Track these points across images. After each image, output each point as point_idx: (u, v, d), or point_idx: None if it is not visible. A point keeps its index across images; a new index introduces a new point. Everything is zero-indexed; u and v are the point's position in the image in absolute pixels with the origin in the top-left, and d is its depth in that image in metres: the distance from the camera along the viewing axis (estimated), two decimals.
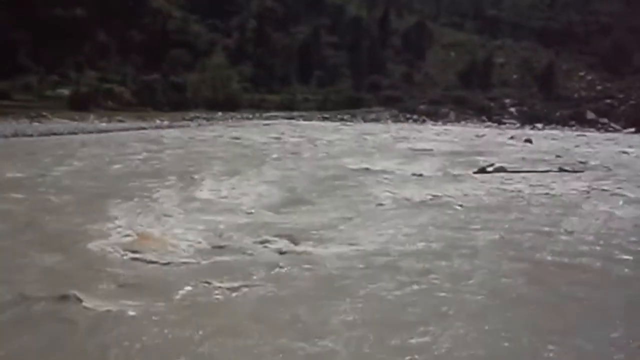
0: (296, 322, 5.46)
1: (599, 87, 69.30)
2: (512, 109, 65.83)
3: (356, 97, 64.44)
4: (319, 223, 9.61)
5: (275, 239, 8.33)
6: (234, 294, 6.13)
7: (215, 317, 5.51)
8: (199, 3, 66.06)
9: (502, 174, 16.56)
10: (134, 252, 7.47)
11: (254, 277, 6.64)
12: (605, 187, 14.43)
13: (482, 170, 17.07)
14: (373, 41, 74.15)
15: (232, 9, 69.57)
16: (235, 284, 6.36)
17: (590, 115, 61.29)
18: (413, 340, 5.10)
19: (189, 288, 6.23)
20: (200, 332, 5.14)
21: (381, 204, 11.42)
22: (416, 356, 4.82)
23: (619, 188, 14.31)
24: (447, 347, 4.99)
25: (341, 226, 9.44)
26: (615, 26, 76.86)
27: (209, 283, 6.38)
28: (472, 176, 16.22)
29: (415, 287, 6.44)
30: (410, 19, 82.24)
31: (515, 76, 75.03)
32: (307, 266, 7.09)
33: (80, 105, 44.06)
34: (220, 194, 12.18)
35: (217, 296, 6.07)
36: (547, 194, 13.09)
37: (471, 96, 67.07)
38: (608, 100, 64.19)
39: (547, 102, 66.06)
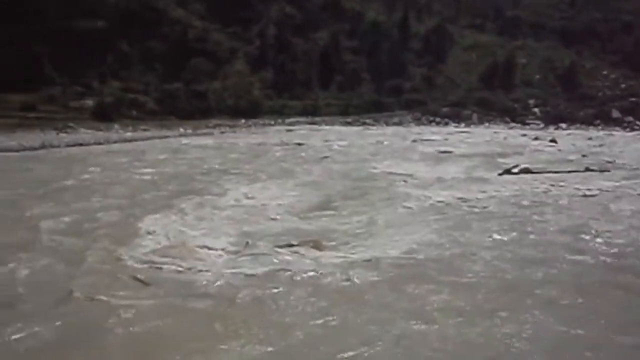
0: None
1: (622, 85, 68.44)
2: (536, 110, 65.24)
3: (378, 101, 64.33)
4: (344, 228, 9.62)
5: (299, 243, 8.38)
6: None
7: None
8: (219, 12, 66.42)
9: (527, 175, 16.41)
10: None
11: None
12: (634, 187, 14.23)
13: (508, 172, 16.94)
14: (393, 44, 74.01)
15: (252, 16, 69.86)
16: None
17: (616, 113, 60.56)
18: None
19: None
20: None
21: (407, 207, 11.38)
22: None
23: None
24: None
25: (365, 230, 9.43)
26: (637, 24, 75.95)
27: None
28: (497, 178, 16.09)
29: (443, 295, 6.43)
30: (430, 22, 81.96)
31: (537, 76, 74.36)
32: (330, 271, 7.11)
33: (104, 115, 44.55)
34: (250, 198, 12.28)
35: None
36: (574, 194, 12.94)
37: (494, 97, 66.61)
38: (633, 99, 63.33)
39: (570, 102, 65.39)
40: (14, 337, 5.28)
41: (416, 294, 6.35)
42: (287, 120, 53.36)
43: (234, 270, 7.11)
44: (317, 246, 8.35)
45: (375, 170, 17.85)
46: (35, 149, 27.93)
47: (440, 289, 6.45)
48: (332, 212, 11.06)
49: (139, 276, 6.87)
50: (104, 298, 6.21)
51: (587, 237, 8.88)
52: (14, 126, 38.08)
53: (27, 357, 5.03)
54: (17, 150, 26.74)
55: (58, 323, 5.57)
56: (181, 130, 41.50)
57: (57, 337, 5.33)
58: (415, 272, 7.09)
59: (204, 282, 6.70)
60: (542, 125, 57.21)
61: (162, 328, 5.53)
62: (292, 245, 8.34)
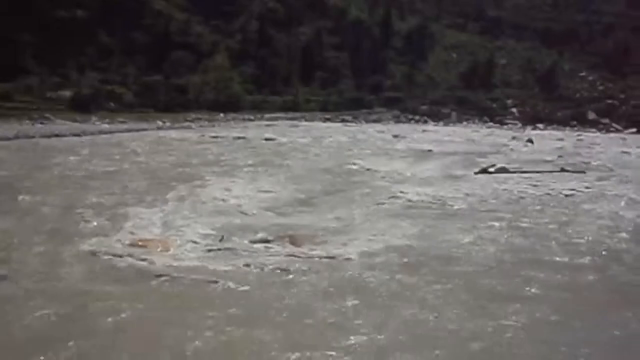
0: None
1: (600, 88, 69.20)
2: (514, 110, 65.78)
3: (358, 98, 64.39)
4: (319, 225, 9.64)
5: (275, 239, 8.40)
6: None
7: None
8: (201, 5, 65.97)
9: (504, 174, 16.56)
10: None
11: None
12: (609, 188, 14.44)
13: (484, 171, 17.08)
14: (374, 42, 74.09)
15: (234, 10, 69.51)
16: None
17: (592, 115, 61.23)
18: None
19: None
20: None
21: (384, 204, 11.45)
22: None
23: (622, 189, 14.32)
24: None
25: (340, 227, 9.47)
26: (618, 26, 76.76)
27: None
28: (473, 176, 16.23)
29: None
30: (412, 21, 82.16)
31: (517, 77, 74.94)
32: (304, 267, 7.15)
33: (82, 106, 44.07)
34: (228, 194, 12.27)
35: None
36: (548, 194, 13.10)
37: (473, 97, 66.98)
38: (609, 101, 64.08)
39: (548, 103, 66.00)
40: None
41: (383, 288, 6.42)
42: (267, 116, 53.18)
43: (198, 264, 7.15)
44: (294, 242, 8.36)
45: (354, 167, 17.92)
46: (9, 138, 27.60)
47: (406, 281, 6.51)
48: (310, 208, 11.08)
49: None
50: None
51: (555, 235, 9.03)
52: None
53: None
54: None
55: None
56: (159, 123, 41.22)
57: None
58: (388, 267, 7.15)
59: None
60: (519, 126, 57.65)
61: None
62: (268, 241, 8.35)
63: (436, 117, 61.90)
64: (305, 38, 70.97)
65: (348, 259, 7.53)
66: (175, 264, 7.13)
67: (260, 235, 8.59)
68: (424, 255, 7.75)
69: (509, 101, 67.75)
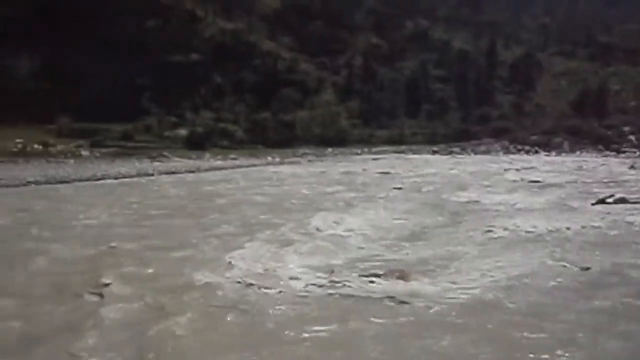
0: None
1: None
2: (632, 137, 62.81)
3: (465, 129, 63.75)
4: (431, 257, 9.66)
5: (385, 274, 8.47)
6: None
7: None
8: (307, 43, 67.99)
9: (623, 205, 15.92)
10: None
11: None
12: None
13: (602, 202, 16.48)
14: (480, 73, 73.41)
15: (339, 47, 71.08)
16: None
17: None
18: None
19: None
20: None
21: (497, 237, 11.32)
22: None
23: None
24: None
25: (454, 260, 9.44)
26: None
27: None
28: (590, 207, 15.70)
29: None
30: (518, 50, 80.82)
31: (633, 103, 71.78)
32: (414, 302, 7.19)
33: (196, 144, 46.22)
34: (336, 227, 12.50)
35: None
36: None
37: (585, 125, 64.64)
38: None
39: None
40: None
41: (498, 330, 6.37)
42: (374, 149, 53.58)
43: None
44: (403, 276, 8.36)
45: (463, 200, 17.76)
46: (131, 176, 29.30)
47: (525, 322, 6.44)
48: (420, 242, 11.11)
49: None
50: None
51: None
52: (114, 155, 40.21)
53: None
54: (115, 178, 28.13)
55: None
56: (269, 158, 42.45)
57: None
58: (503, 306, 7.09)
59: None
60: (638, 154, 55.01)
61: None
62: (377, 275, 8.41)
63: (547, 146, 60.09)
64: (410, 71, 71.30)
65: (465, 291, 7.52)
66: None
67: (370, 270, 8.69)
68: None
69: (626, 128, 64.82)
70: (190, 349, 5.83)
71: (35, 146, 41.02)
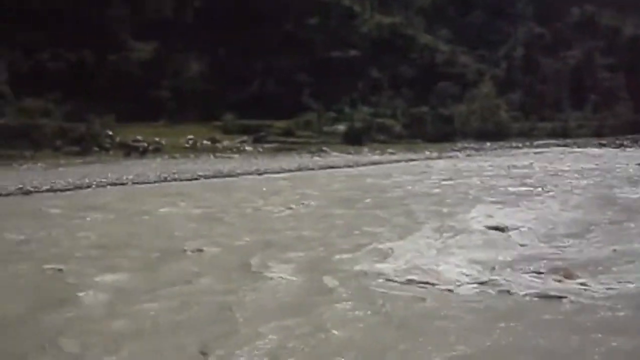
0: None
1: None
2: None
3: (635, 120, 59.49)
4: (599, 255, 9.31)
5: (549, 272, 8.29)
6: None
7: None
8: (465, 35, 66.69)
9: None
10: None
11: None
12: None
13: None
14: None
15: (499, 38, 68.99)
16: None
17: None
18: None
19: None
20: None
21: None
22: None
23: None
24: None
25: (624, 258, 9.05)
26: None
27: None
28: None
29: None
30: None
31: None
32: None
33: (354, 139, 46.96)
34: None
35: None
36: None
37: None
38: None
39: None
40: None
41: None
42: (536, 143, 51.58)
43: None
44: (568, 275, 8.16)
45: (635, 195, 16.77)
46: (291, 170, 30.42)
47: None
48: (588, 238, 10.71)
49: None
50: None
51: None
52: (275, 150, 41.97)
53: None
54: (277, 172, 29.35)
55: None
56: (427, 153, 42.22)
57: None
58: None
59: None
60: None
61: None
62: (540, 273, 8.26)
63: None
64: (575, 61, 67.72)
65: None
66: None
67: (532, 267, 8.54)
68: None
69: None
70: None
71: (204, 142, 43.68)
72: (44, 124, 40.91)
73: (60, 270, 9.13)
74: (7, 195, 20.48)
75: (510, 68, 66.32)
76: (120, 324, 6.54)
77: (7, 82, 45.80)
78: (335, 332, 6.15)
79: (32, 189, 21.76)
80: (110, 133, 41.69)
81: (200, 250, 10.34)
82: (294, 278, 8.31)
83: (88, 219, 14.58)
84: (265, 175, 27.72)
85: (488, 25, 69.46)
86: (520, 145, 50.23)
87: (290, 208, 15.63)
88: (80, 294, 7.71)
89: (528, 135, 55.27)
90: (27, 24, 50.91)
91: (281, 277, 8.35)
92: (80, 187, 22.44)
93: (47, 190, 21.51)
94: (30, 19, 51.25)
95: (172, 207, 16.50)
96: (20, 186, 22.16)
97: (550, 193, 17.77)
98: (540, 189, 19.12)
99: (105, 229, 13.08)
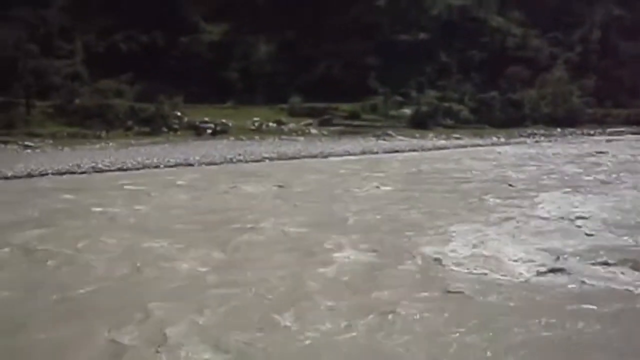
0: None
1: None
2: None
3: None
4: None
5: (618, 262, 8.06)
6: None
7: None
8: (539, 18, 64.80)
9: None
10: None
11: None
12: None
13: None
14: None
15: (574, 21, 66.72)
16: None
17: None
18: None
19: None
20: None
21: None
22: None
23: None
24: None
25: None
26: None
27: None
28: None
29: None
30: None
31: None
32: None
33: (420, 123, 46.51)
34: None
35: None
36: None
37: None
38: None
39: None
40: None
41: None
42: (609, 130, 49.89)
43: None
44: (638, 267, 7.91)
45: None
46: (355, 154, 30.40)
47: None
48: None
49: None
50: None
51: None
52: (340, 133, 42.00)
53: None
54: (340, 155, 29.38)
55: None
56: (494, 139, 41.45)
57: None
58: None
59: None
60: None
61: None
62: (608, 264, 8.04)
63: None
64: None
65: None
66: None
67: (602, 258, 8.31)
68: None
69: None
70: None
71: (270, 124, 44.14)
72: (116, 104, 42.17)
73: None
74: (82, 173, 21.33)
75: (585, 52, 64.15)
76: None
77: (83, 63, 47.38)
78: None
79: (104, 167, 22.68)
80: (179, 114, 42.60)
81: None
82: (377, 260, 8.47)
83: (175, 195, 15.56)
84: (330, 159, 27.83)
85: (563, 6, 67.25)
86: (592, 132, 48.73)
87: (365, 190, 15.87)
88: None
89: (601, 122, 53.49)
90: (101, 7, 52.41)
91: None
92: (148, 167, 23.22)
93: (118, 169, 22.29)
94: (105, 2, 52.73)
95: (257, 185, 17.31)
96: (93, 164, 23.17)
97: (624, 182, 17.19)
98: (613, 176, 18.58)
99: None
